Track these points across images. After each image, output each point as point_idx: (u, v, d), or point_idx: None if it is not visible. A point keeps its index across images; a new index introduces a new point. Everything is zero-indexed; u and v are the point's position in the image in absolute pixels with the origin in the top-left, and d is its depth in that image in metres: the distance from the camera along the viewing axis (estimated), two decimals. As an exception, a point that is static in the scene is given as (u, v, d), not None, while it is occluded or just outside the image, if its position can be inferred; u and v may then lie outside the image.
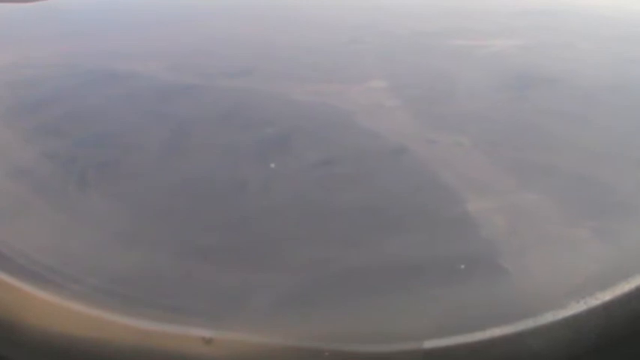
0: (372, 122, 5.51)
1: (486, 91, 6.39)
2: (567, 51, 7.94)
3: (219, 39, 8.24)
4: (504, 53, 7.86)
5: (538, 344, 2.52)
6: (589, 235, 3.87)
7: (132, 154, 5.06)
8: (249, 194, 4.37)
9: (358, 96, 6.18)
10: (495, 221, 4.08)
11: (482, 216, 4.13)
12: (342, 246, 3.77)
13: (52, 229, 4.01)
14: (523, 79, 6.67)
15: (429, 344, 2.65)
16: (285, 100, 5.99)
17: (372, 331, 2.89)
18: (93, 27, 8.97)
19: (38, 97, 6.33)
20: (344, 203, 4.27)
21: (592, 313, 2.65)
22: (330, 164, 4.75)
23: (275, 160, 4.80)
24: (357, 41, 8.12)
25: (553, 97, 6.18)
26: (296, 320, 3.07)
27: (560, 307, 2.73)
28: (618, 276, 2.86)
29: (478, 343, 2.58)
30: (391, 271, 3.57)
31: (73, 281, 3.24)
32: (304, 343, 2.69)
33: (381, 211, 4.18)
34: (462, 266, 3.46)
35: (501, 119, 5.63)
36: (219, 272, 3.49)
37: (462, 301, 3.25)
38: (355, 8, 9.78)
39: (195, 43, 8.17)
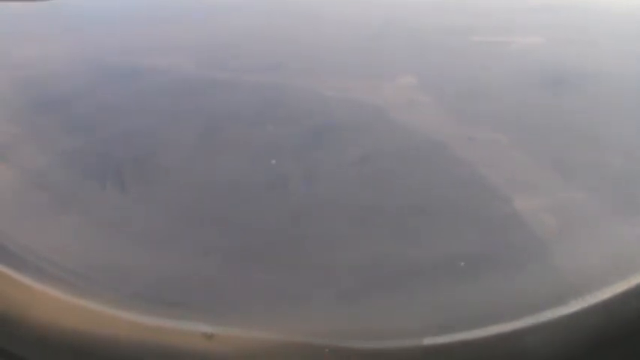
0: (406, 118, 5.45)
1: (518, 88, 6.33)
2: (592, 48, 7.87)
3: (242, 34, 8.14)
4: (529, 50, 7.79)
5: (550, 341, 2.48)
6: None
7: (163, 151, 4.98)
8: (288, 192, 4.32)
9: (390, 92, 6.11)
10: (545, 220, 4.02)
11: (531, 214, 4.08)
12: (391, 245, 3.72)
13: (64, 228, 3.94)
14: (553, 76, 6.60)
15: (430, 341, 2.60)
16: (316, 96, 5.92)
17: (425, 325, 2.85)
18: (111, 23, 8.86)
19: (61, 93, 6.24)
20: (387, 202, 4.21)
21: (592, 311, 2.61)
22: (368, 161, 4.69)
23: (312, 157, 4.75)
24: (382, 37, 8.04)
25: (587, 94, 6.11)
26: (298, 317, 3.04)
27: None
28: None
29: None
30: (442, 269, 3.53)
31: (79, 277, 3.21)
32: (305, 339, 2.65)
33: (427, 209, 4.12)
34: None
35: (538, 116, 5.57)
36: (235, 271, 3.44)
37: (520, 300, 3.20)
38: (376, 4, 9.68)
39: (218, 38, 8.07)
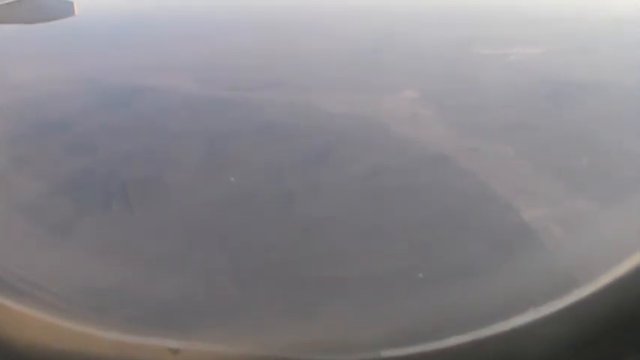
0: (410, 132, 5.47)
1: (519, 98, 6.36)
2: (590, 57, 7.92)
3: (241, 52, 8.21)
4: (528, 61, 7.84)
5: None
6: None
7: (169, 170, 5.00)
8: (299, 208, 4.32)
9: (392, 106, 6.14)
10: (551, 228, 4.03)
11: (538, 224, 4.08)
12: (407, 259, 3.72)
13: (57, 253, 3.93)
14: (554, 86, 6.64)
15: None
16: (320, 112, 5.94)
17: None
18: (113, 43, 8.94)
19: (61, 114, 6.27)
20: (395, 216, 4.22)
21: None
22: (374, 176, 4.70)
23: (321, 173, 4.75)
24: (380, 51, 8.09)
25: (589, 103, 6.15)
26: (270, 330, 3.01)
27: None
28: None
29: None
30: (453, 279, 3.52)
31: (48, 293, 3.20)
32: (272, 353, 2.66)
33: (439, 223, 4.13)
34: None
35: (541, 126, 5.59)
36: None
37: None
38: (374, 18, 9.77)
39: (217, 57, 8.13)
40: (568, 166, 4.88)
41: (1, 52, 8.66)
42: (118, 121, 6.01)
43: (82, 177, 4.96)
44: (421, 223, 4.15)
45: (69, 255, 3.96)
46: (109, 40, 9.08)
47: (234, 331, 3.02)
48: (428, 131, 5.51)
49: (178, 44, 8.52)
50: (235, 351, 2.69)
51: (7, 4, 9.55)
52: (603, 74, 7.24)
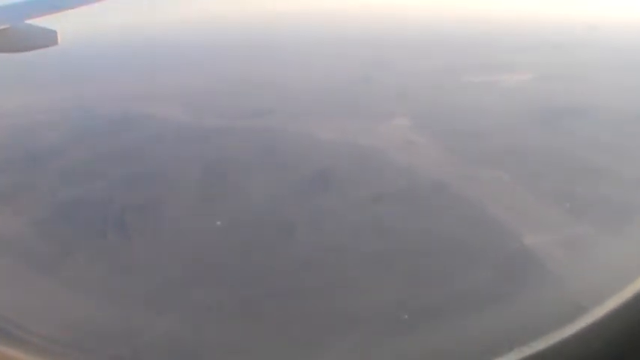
0: (406, 159, 5.47)
1: (512, 124, 6.41)
2: (580, 83, 8.03)
3: (231, 80, 8.20)
4: (519, 87, 7.94)
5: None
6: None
7: (166, 199, 4.93)
8: (300, 238, 4.26)
9: (384, 133, 6.15)
10: (554, 254, 4.02)
11: (540, 250, 4.07)
12: (402, 290, 3.68)
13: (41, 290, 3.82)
14: (546, 112, 6.72)
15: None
16: (313, 139, 5.93)
17: None
18: (102, 71, 8.88)
19: (57, 141, 6.18)
20: (396, 245, 4.18)
21: None
22: (378, 203, 4.68)
23: (322, 200, 4.71)
24: (370, 78, 8.13)
25: (583, 128, 6.21)
26: None
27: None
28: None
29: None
30: (463, 310, 3.48)
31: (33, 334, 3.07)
32: None
33: (444, 251, 4.11)
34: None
35: (535, 152, 5.63)
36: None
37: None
38: (361, 45, 9.82)
39: (204, 85, 8.12)
40: (566, 191, 4.90)
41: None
42: (110, 148, 5.92)
43: (77, 206, 4.86)
44: (425, 250, 4.12)
45: (56, 292, 3.84)
46: (96, 68, 9.04)
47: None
48: (425, 159, 5.52)
49: (164, 73, 8.50)
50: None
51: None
52: (598, 100, 7.31)
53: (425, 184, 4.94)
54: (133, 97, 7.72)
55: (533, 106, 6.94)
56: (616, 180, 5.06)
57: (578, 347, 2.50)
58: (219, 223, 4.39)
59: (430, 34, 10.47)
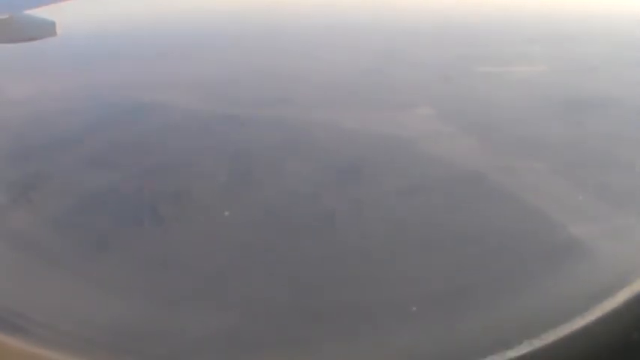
0: (437, 149, 5.37)
1: (532, 115, 6.31)
2: (594, 74, 7.96)
3: (244, 70, 8.04)
4: (533, 78, 7.85)
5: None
6: None
7: (198, 188, 4.78)
8: (339, 228, 4.15)
9: (411, 123, 6.03)
10: (604, 245, 3.94)
11: (587, 241, 3.99)
12: (457, 277, 3.58)
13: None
14: (562, 103, 6.64)
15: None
16: (339, 129, 5.81)
17: None
18: (115, 59, 8.69)
19: (73, 129, 6.01)
20: (445, 234, 4.08)
21: None
22: (413, 194, 4.57)
23: (355, 191, 4.59)
24: (384, 69, 8.01)
25: (607, 119, 6.13)
26: None
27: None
28: None
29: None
30: (503, 296, 3.41)
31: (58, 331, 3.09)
32: None
33: (490, 240, 4.01)
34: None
35: (568, 143, 5.55)
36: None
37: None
38: (372, 35, 9.71)
39: (220, 73, 7.96)
40: (604, 181, 4.82)
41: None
42: (129, 137, 5.76)
43: (106, 195, 4.70)
44: (467, 240, 4.02)
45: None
46: (113, 55, 8.83)
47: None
48: (456, 149, 5.41)
49: (176, 61, 8.31)
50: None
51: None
52: (615, 92, 7.23)
53: (461, 174, 4.85)
54: (141, 86, 7.56)
55: (549, 96, 6.87)
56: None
57: (580, 345, 2.46)
58: (257, 211, 4.26)
59: (443, 24, 10.37)
